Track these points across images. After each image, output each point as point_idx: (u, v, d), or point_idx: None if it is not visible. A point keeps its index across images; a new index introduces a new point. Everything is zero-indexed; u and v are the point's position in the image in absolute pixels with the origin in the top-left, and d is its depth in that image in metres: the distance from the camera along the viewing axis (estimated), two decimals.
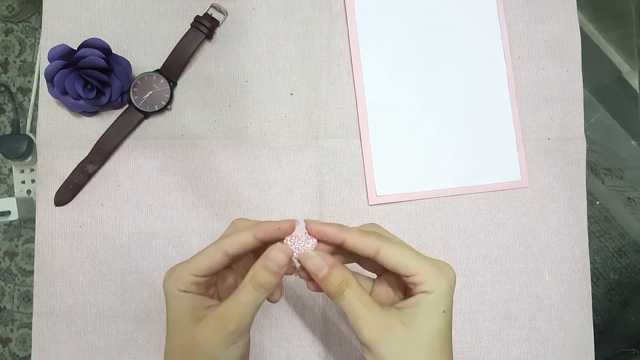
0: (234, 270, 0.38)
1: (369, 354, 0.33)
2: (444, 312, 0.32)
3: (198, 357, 0.33)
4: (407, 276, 0.33)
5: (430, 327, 0.32)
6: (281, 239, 0.35)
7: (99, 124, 0.51)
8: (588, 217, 0.55)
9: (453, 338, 0.52)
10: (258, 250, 0.35)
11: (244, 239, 0.34)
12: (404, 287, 0.36)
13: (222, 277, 0.38)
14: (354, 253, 0.35)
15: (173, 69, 0.51)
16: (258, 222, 0.35)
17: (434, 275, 0.33)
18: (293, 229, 0.35)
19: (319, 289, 0.35)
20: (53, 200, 0.51)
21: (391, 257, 0.33)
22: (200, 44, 0.51)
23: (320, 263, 0.33)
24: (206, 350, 0.32)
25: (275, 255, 0.33)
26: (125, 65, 0.50)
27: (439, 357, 0.32)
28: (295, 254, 0.34)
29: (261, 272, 0.33)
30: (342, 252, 0.36)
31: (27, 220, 0.70)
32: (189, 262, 0.35)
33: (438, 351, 0.32)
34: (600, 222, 0.59)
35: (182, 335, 0.34)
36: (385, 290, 0.37)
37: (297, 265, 0.36)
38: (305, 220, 0.35)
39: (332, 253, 0.36)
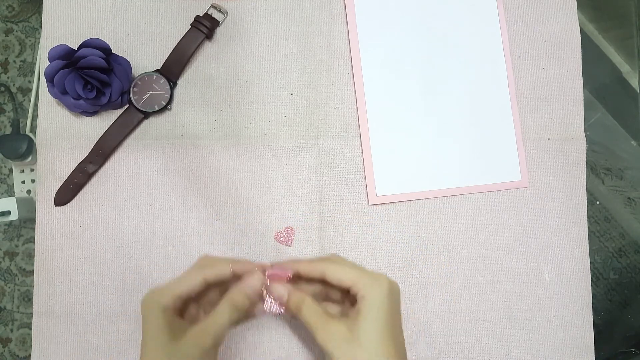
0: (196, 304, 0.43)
1: (326, 356, 0.38)
2: (377, 312, 0.38)
3: None
4: (348, 289, 0.40)
5: (367, 326, 0.38)
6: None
7: (99, 124, 0.51)
8: (588, 217, 0.55)
9: (453, 338, 0.53)
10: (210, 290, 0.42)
11: (223, 271, 0.41)
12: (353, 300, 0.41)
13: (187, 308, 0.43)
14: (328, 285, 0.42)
15: (173, 69, 0.51)
16: (231, 259, 0.42)
17: (368, 284, 0.39)
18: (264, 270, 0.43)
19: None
20: (53, 200, 0.51)
21: (333, 274, 0.40)
22: (200, 44, 0.51)
23: (281, 290, 0.41)
24: None
25: (251, 281, 0.41)
26: (125, 65, 0.50)
27: (379, 350, 0.37)
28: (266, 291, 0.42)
29: (238, 294, 0.40)
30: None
31: (27, 220, 0.70)
32: (172, 285, 0.40)
33: (377, 344, 0.37)
34: (600, 222, 0.59)
35: (159, 351, 0.37)
36: (336, 308, 0.44)
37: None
38: (266, 271, 0.42)
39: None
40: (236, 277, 0.42)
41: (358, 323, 0.38)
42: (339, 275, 0.40)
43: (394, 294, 0.40)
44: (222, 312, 0.39)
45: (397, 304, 0.41)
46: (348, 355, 0.37)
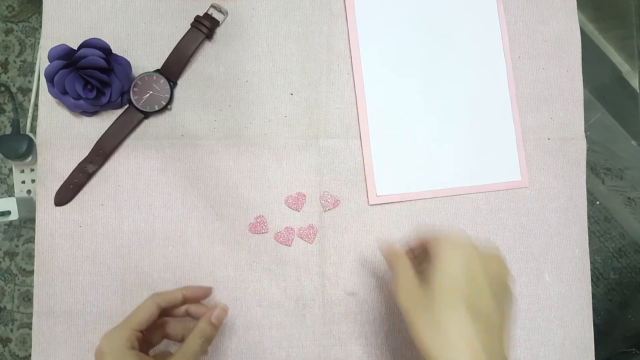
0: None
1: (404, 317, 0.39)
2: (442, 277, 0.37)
3: None
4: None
5: (435, 287, 0.37)
6: (200, 299, 0.46)
7: (99, 124, 0.51)
8: (588, 217, 0.55)
9: None
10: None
11: (174, 296, 0.43)
12: None
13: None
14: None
15: (173, 69, 0.51)
16: (182, 287, 0.45)
17: (440, 249, 0.39)
18: (211, 293, 0.47)
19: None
20: (53, 200, 0.51)
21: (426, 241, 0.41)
22: (200, 44, 0.51)
23: (388, 249, 0.43)
24: None
25: (219, 313, 0.43)
26: (125, 65, 0.50)
27: (448, 311, 0.36)
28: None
29: (207, 326, 0.42)
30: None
31: (27, 220, 0.70)
32: (128, 321, 0.40)
33: (445, 307, 0.36)
34: (600, 222, 0.59)
35: None
36: None
37: None
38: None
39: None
40: (189, 301, 0.45)
41: (429, 283, 0.38)
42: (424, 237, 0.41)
43: (468, 258, 0.38)
44: (195, 341, 0.41)
45: (474, 271, 0.38)
46: (420, 314, 0.37)
